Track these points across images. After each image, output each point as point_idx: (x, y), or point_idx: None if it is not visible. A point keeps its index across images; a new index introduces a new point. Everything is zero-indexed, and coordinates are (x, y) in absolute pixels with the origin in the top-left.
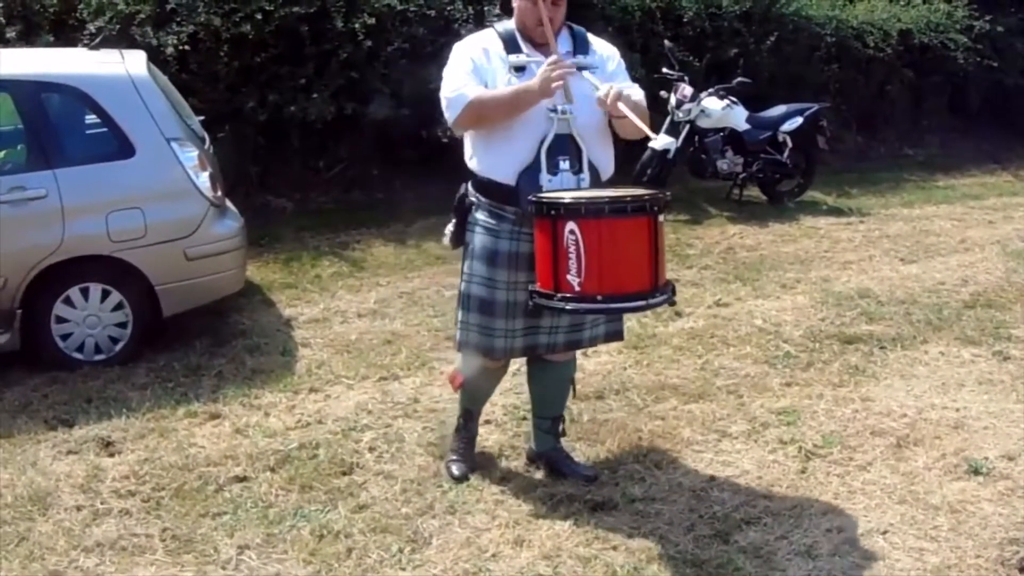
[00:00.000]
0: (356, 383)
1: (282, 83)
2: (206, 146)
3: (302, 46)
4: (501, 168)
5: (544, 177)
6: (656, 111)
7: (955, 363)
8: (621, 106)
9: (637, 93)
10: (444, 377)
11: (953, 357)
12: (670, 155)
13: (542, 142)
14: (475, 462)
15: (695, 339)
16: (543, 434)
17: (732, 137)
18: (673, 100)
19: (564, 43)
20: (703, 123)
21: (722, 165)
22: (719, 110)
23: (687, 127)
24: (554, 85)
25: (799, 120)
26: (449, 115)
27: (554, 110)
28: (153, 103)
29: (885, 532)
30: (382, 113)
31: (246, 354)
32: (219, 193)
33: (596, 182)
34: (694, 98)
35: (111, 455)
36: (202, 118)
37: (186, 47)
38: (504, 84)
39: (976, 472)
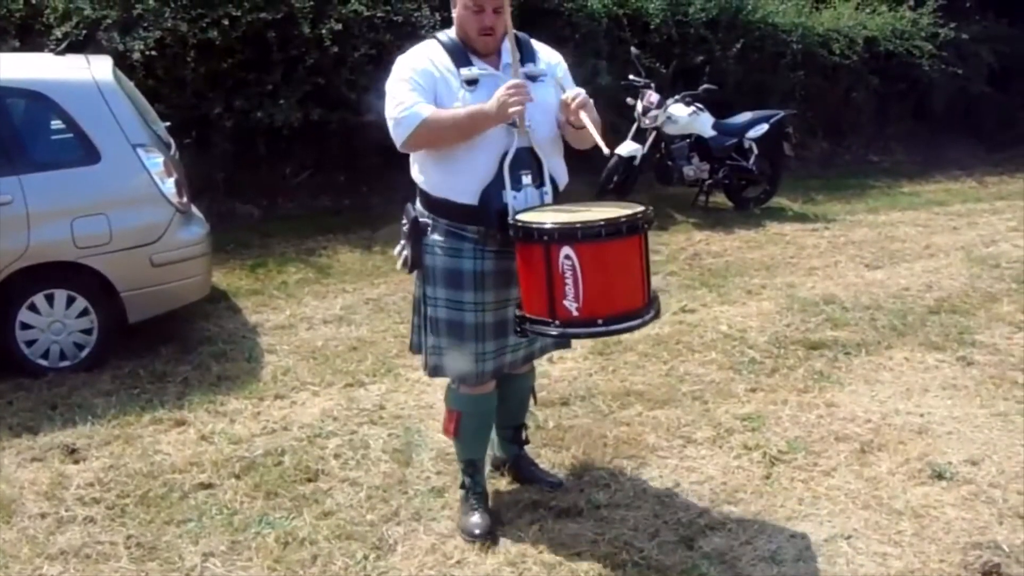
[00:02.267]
0: (322, 390)
1: (249, 89)
2: (172, 152)
3: (269, 52)
4: (460, 187)
5: (508, 194)
6: (622, 117)
7: (919, 368)
8: (583, 116)
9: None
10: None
11: (917, 363)
12: (636, 162)
13: (503, 157)
14: (497, 518)
15: (660, 345)
16: (507, 442)
17: (698, 144)
18: (639, 107)
19: (509, 53)
20: (669, 130)
21: (688, 172)
22: (685, 117)
23: (653, 134)
24: (512, 111)
25: (765, 127)
26: (398, 135)
27: (513, 124)
28: (119, 109)
29: (849, 537)
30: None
31: (212, 360)
32: (185, 199)
33: (556, 194)
34: (660, 105)
35: (76, 462)
36: (168, 124)
37: (153, 53)
38: (458, 100)
39: (940, 477)
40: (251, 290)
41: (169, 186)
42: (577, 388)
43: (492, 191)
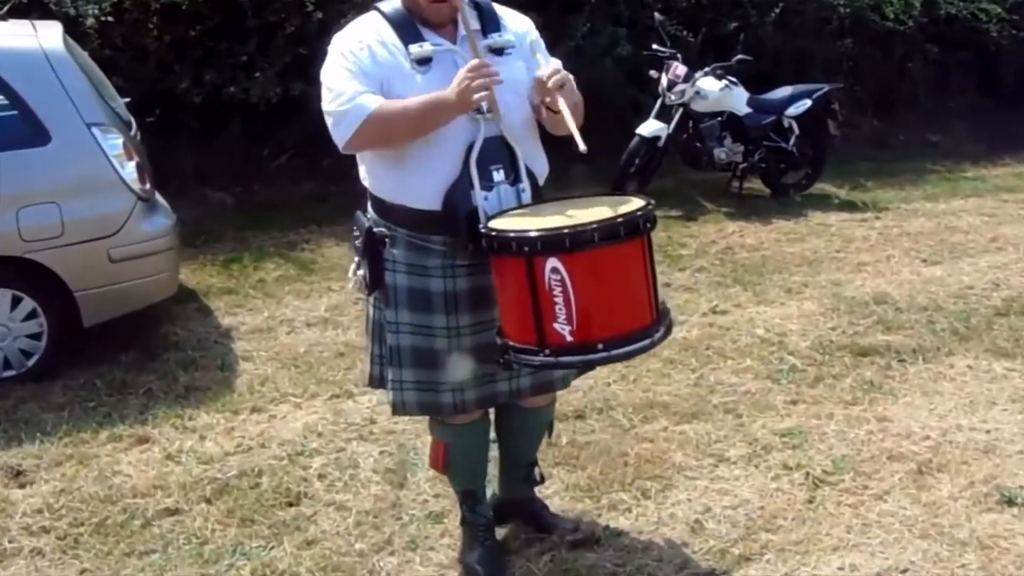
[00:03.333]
0: (305, 402)
1: (220, 60)
2: (133, 132)
3: (243, 18)
4: (419, 191)
5: (478, 195)
6: (645, 93)
7: (985, 378)
8: (560, 100)
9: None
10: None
11: (983, 371)
12: (660, 143)
13: (469, 151)
14: (504, 548)
15: (688, 351)
16: (515, 481)
17: (731, 122)
18: (664, 81)
19: (470, 21)
20: (698, 106)
21: (720, 154)
22: (716, 92)
23: (680, 111)
24: (476, 97)
25: (807, 103)
26: (339, 133)
27: (479, 110)
28: (71, 82)
29: (905, 571)
30: None
31: (179, 369)
32: (148, 186)
33: (535, 191)
34: (688, 78)
35: (22, 486)
36: (128, 100)
37: (109, 18)
38: (409, 85)
39: (1010, 502)
40: (224, 289)
41: (129, 171)
42: (594, 399)
43: (458, 192)
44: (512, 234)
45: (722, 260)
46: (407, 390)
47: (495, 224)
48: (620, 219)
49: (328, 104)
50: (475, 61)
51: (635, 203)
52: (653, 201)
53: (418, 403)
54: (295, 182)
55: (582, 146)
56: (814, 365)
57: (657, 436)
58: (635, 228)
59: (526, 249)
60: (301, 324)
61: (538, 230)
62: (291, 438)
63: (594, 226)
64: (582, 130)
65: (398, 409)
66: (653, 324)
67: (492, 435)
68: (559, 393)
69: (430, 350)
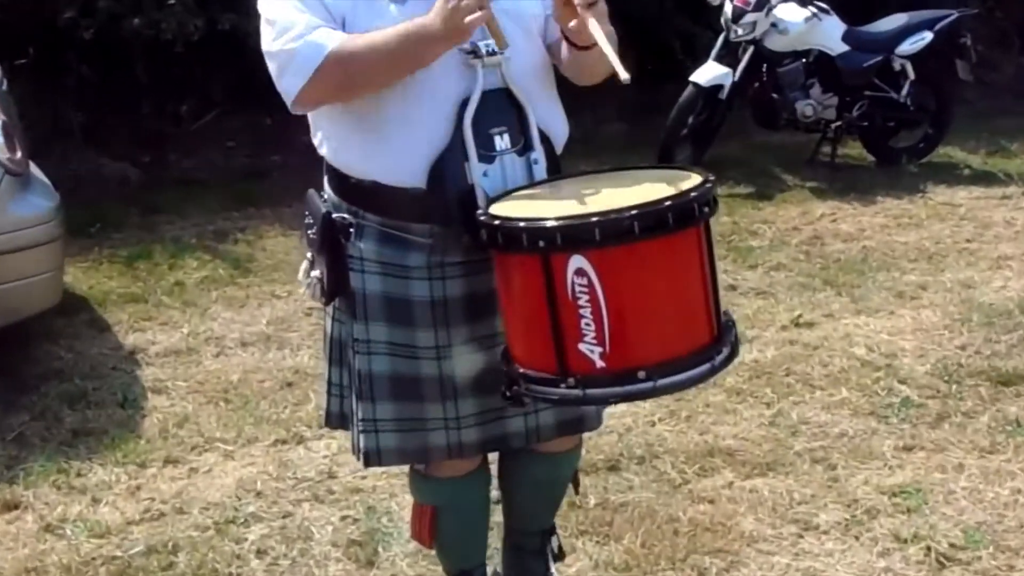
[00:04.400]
0: (238, 449)
1: None
2: None
3: None
4: (396, 162)
5: (476, 169)
6: (701, 25)
7: None
8: (593, 24)
9: None
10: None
11: None
12: (723, 94)
13: (462, 108)
14: None
15: (761, 378)
16: (525, 555)
17: (821, 65)
18: (728, 8)
19: None
20: (775, 44)
21: (805, 108)
22: (800, 23)
23: (750, 51)
24: (469, 19)
25: (927, 36)
26: (288, 83)
27: (474, 51)
28: None
29: None
30: None
31: (63, 405)
32: (19, 155)
33: (552, 162)
34: (761, 4)
35: None
36: None
37: None
38: (380, 19)
39: None
40: (127, 295)
41: None
42: (632, 444)
43: (448, 165)
44: (522, 223)
45: (808, 254)
46: (383, 431)
47: (498, 209)
48: (669, 202)
49: (270, 43)
50: None
51: (689, 179)
52: (713, 176)
53: (398, 448)
54: (225, 149)
55: (623, 74)
56: (936, 398)
57: (719, 495)
58: (689, 213)
59: (541, 244)
60: (234, 343)
61: (558, 218)
62: (219, 500)
63: (633, 212)
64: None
65: (371, 458)
66: (713, 344)
67: (494, 493)
68: (588, 436)
69: (413, 377)
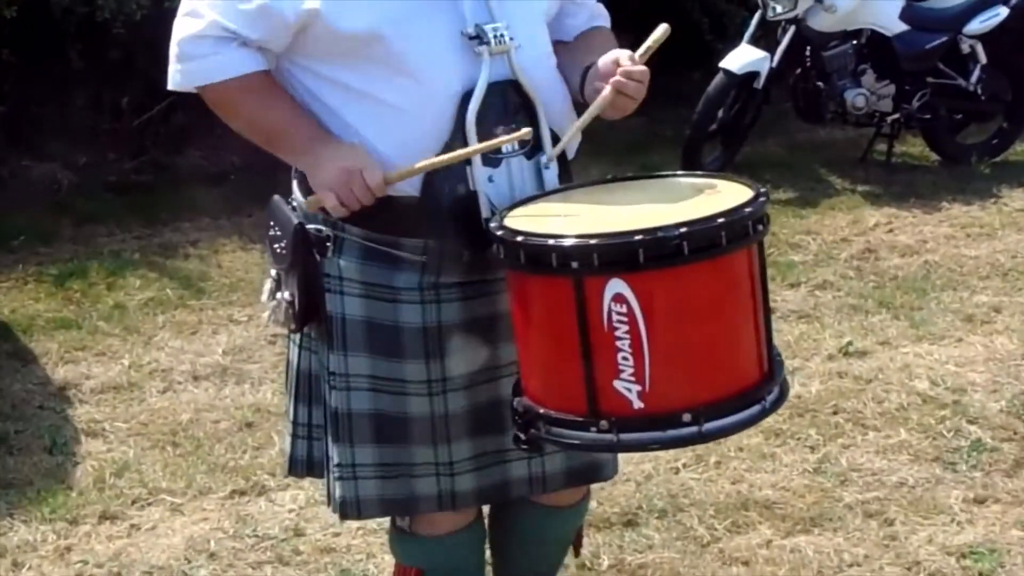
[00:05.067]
0: (189, 503)
1: None
2: None
3: None
4: (384, 165)
5: (479, 174)
6: (734, 2)
7: None
8: (607, 90)
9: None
10: None
11: None
12: (760, 83)
13: (464, 102)
14: None
15: (804, 416)
16: None
17: (874, 48)
18: None
19: None
20: (820, 23)
21: (856, 99)
22: None
23: (791, 31)
24: (333, 201)
25: (1001, 12)
26: (178, 74)
27: (479, 36)
28: None
29: None
30: None
31: None
32: None
33: (564, 166)
34: None
35: None
36: None
37: None
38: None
39: None
40: (57, 321)
41: None
42: (653, 495)
43: (447, 169)
44: (551, 240)
45: (859, 271)
46: (363, 478)
47: (516, 222)
48: (721, 218)
49: (181, 25)
50: (378, 181)
51: (737, 190)
52: (765, 189)
53: (380, 498)
54: (174, 147)
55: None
56: (1013, 440)
57: (755, 554)
58: (742, 232)
59: (575, 265)
60: (183, 377)
61: (595, 235)
62: (165, 562)
63: (683, 229)
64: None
65: (348, 509)
66: (764, 382)
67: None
68: (601, 486)
69: (399, 416)
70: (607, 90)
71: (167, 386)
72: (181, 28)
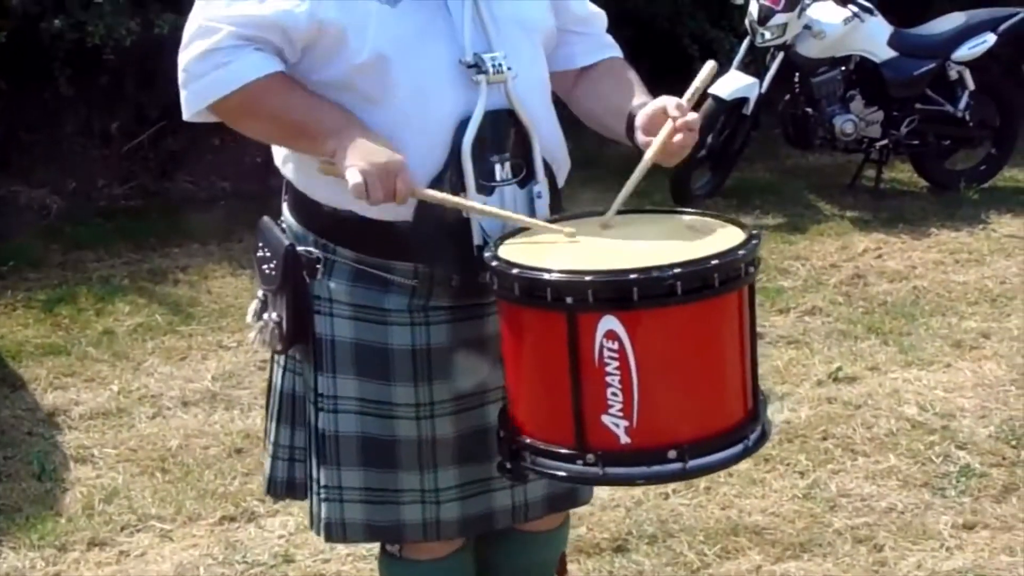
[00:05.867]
0: (178, 529)
1: None
2: None
3: None
4: None
5: (474, 198)
6: (722, 29)
7: None
8: (663, 134)
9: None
10: None
11: None
12: (748, 108)
13: (460, 129)
14: None
15: (794, 442)
16: None
17: (863, 74)
18: (754, 8)
19: None
20: (809, 50)
21: (844, 125)
22: (839, 25)
23: (779, 57)
24: (367, 188)
25: (989, 39)
26: (191, 98)
27: (477, 65)
28: None
29: None
30: None
31: None
32: None
33: (555, 196)
34: (793, 4)
35: None
36: None
37: None
38: (369, 21)
39: None
40: (46, 347)
41: None
42: (643, 520)
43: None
44: (547, 275)
45: (848, 296)
46: (349, 502)
47: (510, 252)
48: (715, 260)
49: (190, 36)
50: (410, 185)
51: (730, 231)
52: (760, 232)
53: (366, 523)
54: (163, 174)
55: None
56: (1002, 466)
57: None
58: (735, 274)
59: (569, 300)
60: (173, 403)
61: (592, 272)
62: None
63: (677, 270)
64: None
65: (334, 531)
66: (747, 421)
67: None
68: (591, 511)
69: (387, 439)
70: (658, 141)
71: (156, 412)
72: (191, 50)
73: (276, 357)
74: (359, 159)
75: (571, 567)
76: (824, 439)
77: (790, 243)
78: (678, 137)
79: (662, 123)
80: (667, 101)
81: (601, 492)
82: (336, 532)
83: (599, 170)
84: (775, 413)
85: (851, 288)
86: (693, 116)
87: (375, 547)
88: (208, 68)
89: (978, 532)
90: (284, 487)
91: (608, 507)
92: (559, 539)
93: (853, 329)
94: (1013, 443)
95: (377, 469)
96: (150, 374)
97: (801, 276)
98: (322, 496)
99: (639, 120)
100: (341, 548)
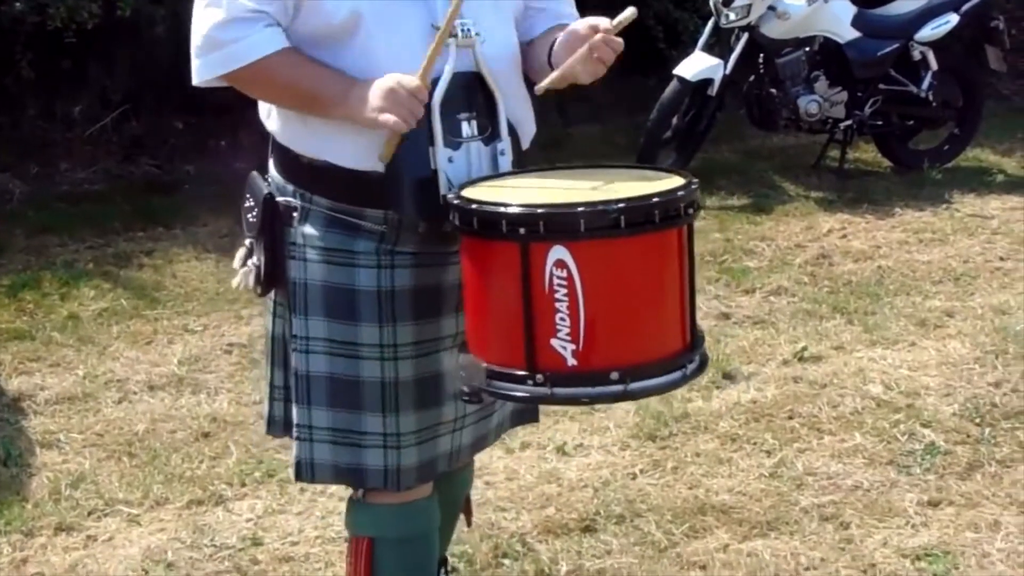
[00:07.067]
0: (146, 513)
1: None
2: None
3: None
4: (353, 142)
5: (440, 153)
6: (686, 10)
7: None
8: (579, 55)
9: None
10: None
11: None
12: (713, 90)
13: (431, 88)
14: None
15: (760, 421)
16: None
17: (827, 55)
18: None
19: None
20: (773, 31)
21: (808, 106)
22: (803, 6)
23: (744, 38)
24: (383, 120)
25: (952, 19)
26: (203, 70)
27: (455, 34)
28: None
29: None
30: None
31: None
32: None
33: (518, 155)
34: None
35: None
36: None
37: None
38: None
39: None
40: (11, 332)
41: None
42: (610, 500)
43: (411, 147)
44: (502, 208)
45: (814, 276)
46: (318, 441)
47: (472, 192)
48: (656, 198)
49: (204, 16)
50: (416, 83)
51: (673, 179)
52: (696, 179)
53: (332, 463)
54: (127, 157)
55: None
56: (966, 444)
57: (712, 559)
58: (675, 213)
59: (522, 231)
60: (139, 387)
61: (542, 205)
62: (123, 573)
63: (621, 205)
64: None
65: (303, 470)
66: (685, 351)
67: None
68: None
69: (352, 379)
70: (583, 49)
71: (122, 396)
72: (205, 19)
73: (269, 305)
74: (376, 109)
75: (539, 547)
76: (790, 418)
77: (755, 224)
78: (604, 49)
79: (590, 37)
80: (597, 19)
81: (569, 473)
82: (305, 472)
83: (564, 150)
84: (741, 393)
85: (816, 268)
86: (618, 39)
87: (344, 530)
88: (222, 41)
89: (943, 509)
90: (281, 427)
91: (576, 487)
92: (467, 478)
93: (818, 309)
94: (977, 421)
95: (343, 410)
96: (116, 358)
97: (766, 256)
98: (294, 435)
99: (564, 35)
100: (310, 530)
